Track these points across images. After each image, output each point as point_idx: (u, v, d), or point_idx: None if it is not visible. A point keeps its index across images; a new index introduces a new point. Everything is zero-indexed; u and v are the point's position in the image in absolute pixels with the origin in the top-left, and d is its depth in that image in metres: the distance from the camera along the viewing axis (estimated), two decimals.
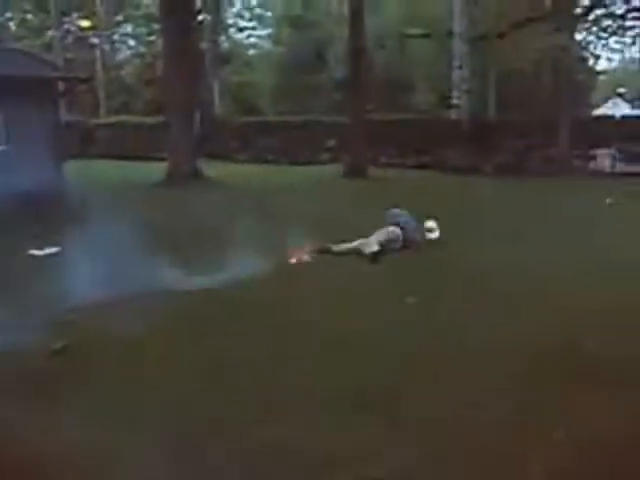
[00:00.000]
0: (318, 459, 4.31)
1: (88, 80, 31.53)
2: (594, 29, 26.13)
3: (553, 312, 7.51)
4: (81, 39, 47.93)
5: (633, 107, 53.40)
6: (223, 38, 46.84)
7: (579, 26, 25.68)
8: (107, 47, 49.28)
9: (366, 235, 10.83)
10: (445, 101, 30.28)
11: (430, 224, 11.46)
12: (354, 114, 24.77)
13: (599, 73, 54.97)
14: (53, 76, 19.60)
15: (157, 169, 22.20)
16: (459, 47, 27.69)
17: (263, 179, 23.53)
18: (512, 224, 13.96)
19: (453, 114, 28.86)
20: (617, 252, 10.90)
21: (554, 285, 8.79)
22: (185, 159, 21.22)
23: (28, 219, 12.94)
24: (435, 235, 11.42)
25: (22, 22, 49.67)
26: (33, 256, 10.19)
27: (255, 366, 5.93)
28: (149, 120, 33.94)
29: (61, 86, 21.73)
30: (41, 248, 10.35)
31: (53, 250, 10.23)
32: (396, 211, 11.56)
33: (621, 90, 63.10)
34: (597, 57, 28.00)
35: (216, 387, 5.49)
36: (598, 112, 50.95)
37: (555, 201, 18.04)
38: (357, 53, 24.45)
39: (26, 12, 49.35)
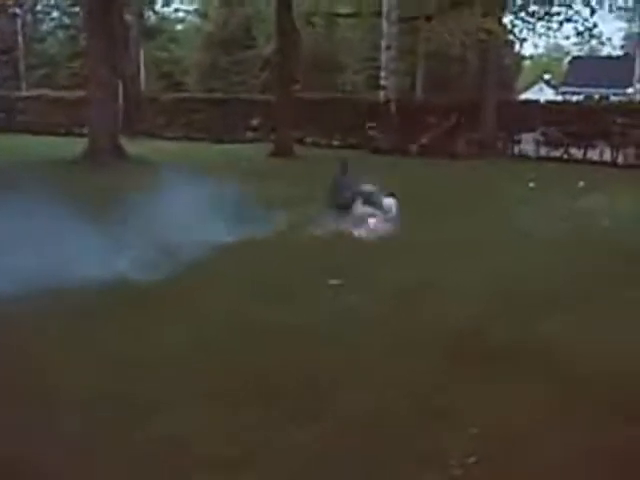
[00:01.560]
0: None
1: (7, 52, 30.40)
2: (521, 14, 26.33)
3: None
4: (2, 9, 46.24)
5: (557, 93, 54.36)
6: (149, 12, 45.92)
7: (506, 10, 25.80)
8: (29, 18, 47.79)
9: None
10: (373, 81, 30.21)
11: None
12: (281, 92, 24.50)
13: (525, 58, 55.83)
14: None
15: (79, 145, 21.54)
16: (387, 28, 27.54)
17: (188, 157, 23.03)
18: (443, 204, 13.90)
19: (381, 95, 28.77)
20: (535, 233, 11.07)
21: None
22: (106, 135, 20.58)
23: None
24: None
25: None
26: None
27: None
28: (72, 94, 33.02)
29: None
30: None
31: None
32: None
33: (546, 76, 64.31)
34: (523, 41, 28.05)
35: None
36: (523, 96, 51.81)
37: (481, 183, 18.10)
38: (285, 31, 24.13)
39: None
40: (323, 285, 7.81)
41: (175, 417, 4.58)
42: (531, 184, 17.26)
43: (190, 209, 9.60)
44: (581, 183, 17.64)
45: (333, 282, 7.88)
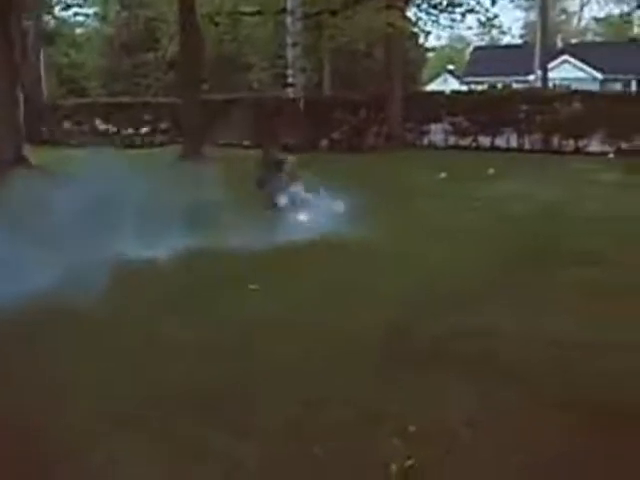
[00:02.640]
0: None
1: None
2: (424, 6, 26.58)
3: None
4: None
5: (461, 83, 55.23)
6: (48, 16, 44.69)
7: (410, 3, 26.00)
8: None
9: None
10: (280, 79, 30.10)
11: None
12: (187, 94, 24.10)
13: (429, 50, 56.54)
14: None
15: None
16: (293, 24, 27.46)
17: (95, 164, 22.31)
18: (354, 199, 13.79)
19: (289, 92, 28.68)
20: (447, 225, 11.16)
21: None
22: (9, 145, 19.93)
23: None
24: None
25: None
26: None
27: None
28: None
29: None
30: None
31: None
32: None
33: (450, 67, 65.31)
34: (428, 33, 28.38)
35: None
36: (429, 88, 52.51)
37: (391, 176, 18.09)
38: (188, 31, 23.73)
39: None
40: (245, 291, 7.66)
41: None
42: (442, 174, 17.39)
43: (105, 221, 9.18)
44: (491, 170, 17.91)
45: (253, 287, 7.74)
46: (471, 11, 26.66)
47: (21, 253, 8.02)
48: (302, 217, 11.15)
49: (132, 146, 28.40)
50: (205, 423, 4.55)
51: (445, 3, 26.06)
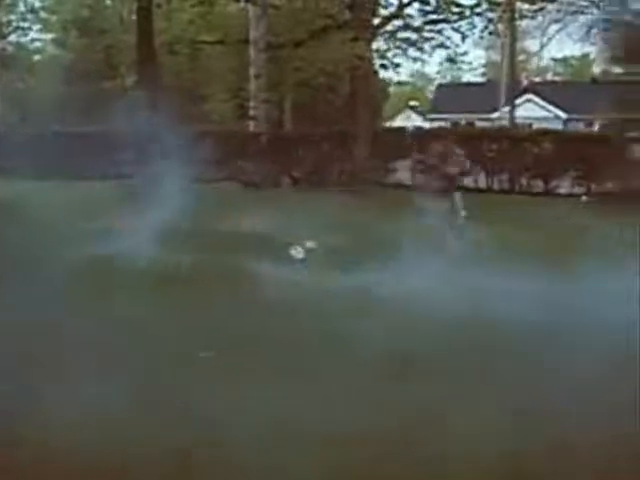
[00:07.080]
0: None
1: None
2: (392, 40, 25.90)
3: None
4: None
5: (424, 119, 54.87)
6: (4, 42, 43.55)
7: (377, 36, 25.26)
8: None
9: None
10: (241, 111, 29.16)
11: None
12: None
13: (390, 85, 56.29)
14: None
15: None
16: (255, 55, 26.51)
17: (45, 197, 21.18)
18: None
19: (251, 125, 27.68)
20: None
21: None
22: None
23: None
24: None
25: None
26: None
27: None
28: None
29: None
30: None
31: None
32: None
33: (413, 103, 64.96)
34: (397, 65, 27.65)
35: None
36: (392, 124, 52.00)
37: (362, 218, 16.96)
38: (145, 60, 22.77)
39: None
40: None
41: None
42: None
43: None
44: (463, 213, 17.02)
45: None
46: (441, 46, 26.06)
47: None
48: None
49: (87, 177, 27.00)
50: None
51: (414, 37, 25.34)
